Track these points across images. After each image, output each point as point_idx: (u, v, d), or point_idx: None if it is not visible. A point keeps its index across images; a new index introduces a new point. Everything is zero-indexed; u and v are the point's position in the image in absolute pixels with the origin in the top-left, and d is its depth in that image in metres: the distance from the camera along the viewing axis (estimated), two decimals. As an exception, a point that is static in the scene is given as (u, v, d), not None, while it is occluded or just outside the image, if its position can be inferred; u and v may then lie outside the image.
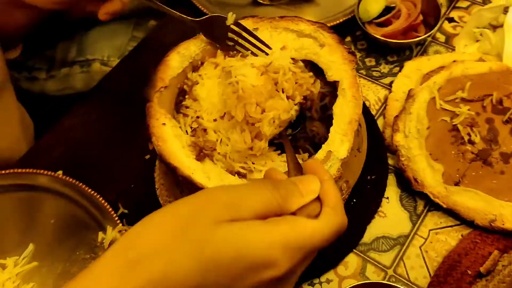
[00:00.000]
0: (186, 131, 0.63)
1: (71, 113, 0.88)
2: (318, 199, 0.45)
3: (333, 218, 0.44)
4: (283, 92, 0.58)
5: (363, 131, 0.66)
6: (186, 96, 0.66)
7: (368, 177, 0.71)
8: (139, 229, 0.40)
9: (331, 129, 0.58)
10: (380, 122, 0.77)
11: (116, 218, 0.71)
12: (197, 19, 0.66)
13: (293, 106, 0.59)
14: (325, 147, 0.57)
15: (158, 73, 0.66)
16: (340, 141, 0.57)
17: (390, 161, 0.73)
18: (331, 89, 0.65)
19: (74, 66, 1.17)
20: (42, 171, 0.76)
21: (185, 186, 0.61)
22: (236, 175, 0.58)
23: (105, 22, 1.20)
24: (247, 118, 0.57)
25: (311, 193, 0.44)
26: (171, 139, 0.60)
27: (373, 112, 0.78)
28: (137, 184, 0.75)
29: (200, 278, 0.38)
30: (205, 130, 0.62)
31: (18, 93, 0.98)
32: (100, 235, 0.70)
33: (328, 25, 0.77)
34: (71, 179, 0.74)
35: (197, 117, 0.63)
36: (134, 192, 0.75)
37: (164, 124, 0.61)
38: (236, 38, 0.64)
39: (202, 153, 0.59)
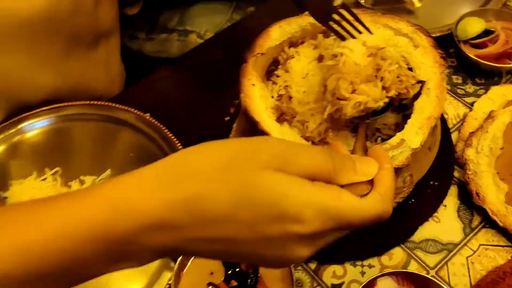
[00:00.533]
0: (272, 96, 0.67)
1: (163, 68, 0.95)
2: (371, 183, 0.44)
3: (377, 204, 0.43)
4: (381, 80, 0.58)
5: (437, 133, 0.68)
6: (279, 67, 0.71)
7: (431, 182, 0.73)
8: (191, 151, 0.41)
9: (409, 121, 0.61)
10: (454, 136, 0.78)
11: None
12: None
13: (384, 98, 0.59)
14: (399, 135, 0.60)
15: (258, 40, 0.71)
16: (415, 132, 0.60)
17: (456, 174, 0.75)
18: (414, 91, 0.68)
19: (173, 33, 1.26)
20: (131, 109, 0.84)
21: None
22: (310, 142, 0.62)
23: (208, 1, 1.28)
24: (335, 92, 0.59)
25: (365, 174, 0.44)
26: (257, 98, 0.65)
27: (450, 126, 0.80)
28: (214, 139, 0.81)
29: (230, 211, 0.39)
30: (290, 98, 0.66)
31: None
32: (171, 175, 0.77)
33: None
34: (155, 121, 0.81)
35: (286, 86, 0.68)
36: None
37: (253, 84, 0.66)
38: (340, 20, 0.64)
39: (282, 117, 0.64)
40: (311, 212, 0.39)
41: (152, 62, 1.23)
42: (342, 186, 0.43)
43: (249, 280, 0.63)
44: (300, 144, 0.46)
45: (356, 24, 0.63)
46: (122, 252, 0.40)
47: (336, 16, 0.64)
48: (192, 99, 0.89)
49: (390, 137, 0.62)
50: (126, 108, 0.84)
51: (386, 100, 0.60)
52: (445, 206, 0.72)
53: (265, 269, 0.64)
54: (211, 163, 0.40)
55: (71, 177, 0.78)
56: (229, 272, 0.64)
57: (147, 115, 0.83)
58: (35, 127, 0.82)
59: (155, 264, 0.69)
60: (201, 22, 1.25)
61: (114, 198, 0.39)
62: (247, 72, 0.67)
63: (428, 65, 0.65)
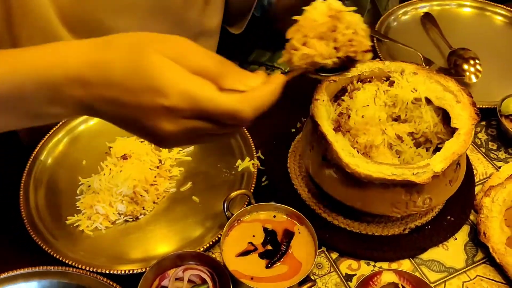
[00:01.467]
0: (335, 112, 0.85)
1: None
2: None
3: (235, 101, 0.51)
4: (334, 41, 0.61)
5: (459, 173, 0.83)
6: (346, 94, 0.88)
7: (448, 217, 0.87)
8: (121, 34, 0.54)
9: (437, 153, 0.77)
10: (478, 188, 0.92)
11: (254, 156, 0.95)
12: None
13: (334, 58, 0.61)
14: (427, 161, 0.76)
15: (333, 71, 0.89)
16: (440, 161, 0.75)
17: (471, 217, 0.88)
18: (449, 138, 0.83)
19: (261, 66, 1.49)
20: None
21: (317, 141, 0.81)
22: (355, 149, 0.79)
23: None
24: (290, 42, 0.61)
25: (244, 84, 0.52)
26: (323, 109, 0.82)
27: (476, 180, 0.93)
28: (278, 142, 0.98)
29: (122, 77, 0.50)
30: (349, 117, 0.84)
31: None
32: (239, 161, 0.95)
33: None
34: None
35: (347, 108, 0.86)
36: (274, 146, 0.98)
37: (323, 100, 0.84)
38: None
39: (338, 128, 0.81)
40: (175, 91, 0.50)
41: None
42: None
43: (282, 247, 0.79)
44: (203, 49, 0.54)
45: None
46: (54, 96, 0.53)
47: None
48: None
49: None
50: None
51: (335, 60, 0.62)
52: (456, 238, 0.85)
53: (295, 244, 0.79)
54: (126, 41, 0.53)
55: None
56: (268, 238, 0.80)
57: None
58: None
59: (197, 232, 0.86)
60: (287, 64, 1.47)
61: (58, 54, 0.54)
62: (320, 91, 0.85)
63: (464, 117, 0.81)
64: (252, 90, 0.53)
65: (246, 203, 0.86)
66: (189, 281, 0.75)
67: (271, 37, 1.50)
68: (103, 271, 0.78)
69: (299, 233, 0.81)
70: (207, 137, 0.56)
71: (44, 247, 0.80)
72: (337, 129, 0.82)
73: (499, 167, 0.95)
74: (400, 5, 1.28)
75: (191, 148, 0.98)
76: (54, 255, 0.79)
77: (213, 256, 0.83)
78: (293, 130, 1.01)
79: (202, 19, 1.04)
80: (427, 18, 1.24)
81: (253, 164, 0.94)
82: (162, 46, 0.52)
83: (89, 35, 0.92)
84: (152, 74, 0.50)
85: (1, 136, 1.04)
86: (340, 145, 0.77)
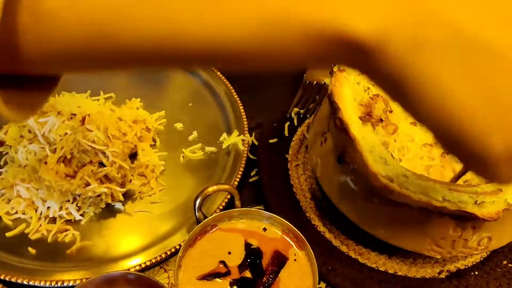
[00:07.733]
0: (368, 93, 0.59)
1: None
2: None
3: None
4: None
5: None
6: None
7: (505, 262, 0.61)
8: None
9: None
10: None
11: (245, 130, 0.71)
12: None
13: None
14: (496, 185, 0.50)
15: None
16: (516, 191, 0.49)
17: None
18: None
19: None
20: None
21: (333, 131, 0.56)
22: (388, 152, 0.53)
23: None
24: None
25: None
26: (347, 85, 0.56)
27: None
28: (280, 126, 0.72)
29: None
30: (391, 111, 0.58)
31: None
32: (223, 135, 0.71)
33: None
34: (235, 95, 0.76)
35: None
36: (273, 131, 0.72)
37: (350, 74, 0.58)
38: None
39: (367, 117, 0.55)
40: None
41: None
42: None
43: (266, 277, 0.54)
44: None
45: None
46: (325, 49, 0.34)
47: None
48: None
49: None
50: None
51: None
52: (509, 295, 0.60)
53: (285, 275, 0.54)
54: None
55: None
56: (249, 260, 0.55)
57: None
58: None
59: (163, 229, 0.62)
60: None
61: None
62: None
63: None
64: None
65: (226, 201, 0.62)
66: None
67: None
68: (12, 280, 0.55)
69: (295, 260, 0.55)
70: None
71: None
72: (365, 117, 0.55)
73: None
74: None
75: (162, 113, 0.73)
76: None
77: (166, 274, 0.60)
78: (302, 111, 0.75)
79: None
80: None
81: (243, 140, 0.68)
82: None
83: None
84: None
85: None
86: (367, 143, 0.51)
